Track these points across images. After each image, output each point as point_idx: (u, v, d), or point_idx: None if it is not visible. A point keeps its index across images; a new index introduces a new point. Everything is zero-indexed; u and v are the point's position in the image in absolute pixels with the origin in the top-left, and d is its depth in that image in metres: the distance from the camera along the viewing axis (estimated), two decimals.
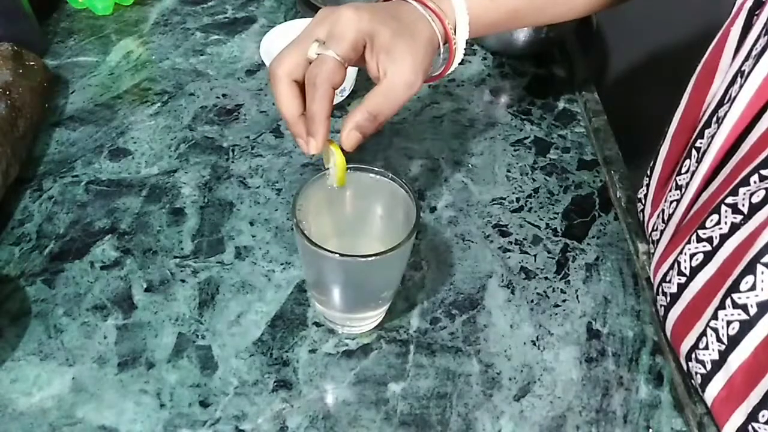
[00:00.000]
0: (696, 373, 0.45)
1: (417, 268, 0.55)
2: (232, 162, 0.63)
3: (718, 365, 0.43)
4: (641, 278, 0.55)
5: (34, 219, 0.56)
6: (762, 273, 0.39)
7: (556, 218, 0.60)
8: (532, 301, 0.53)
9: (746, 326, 0.41)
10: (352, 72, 0.66)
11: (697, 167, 0.47)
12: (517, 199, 0.61)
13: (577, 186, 0.63)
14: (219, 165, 0.62)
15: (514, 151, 0.66)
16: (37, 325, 0.49)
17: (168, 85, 0.70)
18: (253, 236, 0.56)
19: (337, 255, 0.41)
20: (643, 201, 0.57)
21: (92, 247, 0.55)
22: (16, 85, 0.60)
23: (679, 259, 0.47)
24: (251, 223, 0.57)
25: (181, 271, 0.53)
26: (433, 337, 0.50)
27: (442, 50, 0.50)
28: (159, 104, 0.68)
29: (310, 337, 0.50)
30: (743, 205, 0.41)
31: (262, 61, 0.69)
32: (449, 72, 0.52)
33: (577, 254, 0.57)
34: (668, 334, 0.49)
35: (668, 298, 0.48)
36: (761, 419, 0.40)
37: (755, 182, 0.40)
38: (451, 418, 0.46)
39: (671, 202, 0.51)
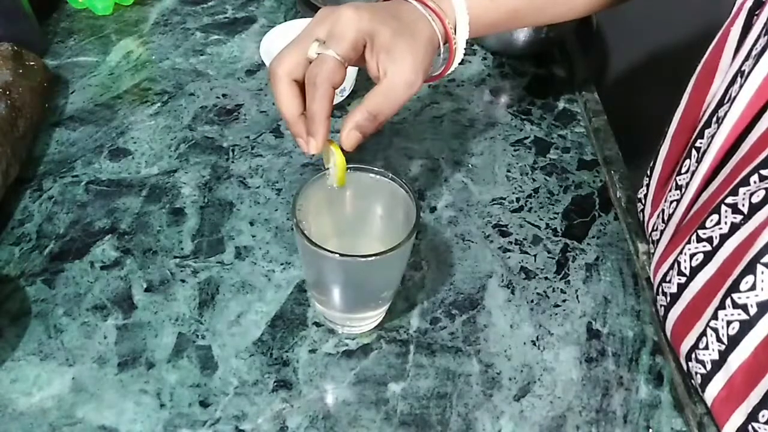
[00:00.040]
0: (696, 373, 0.45)
1: (417, 268, 0.55)
2: (232, 162, 0.63)
3: (718, 365, 0.43)
4: (641, 278, 0.55)
5: (34, 219, 0.56)
6: (762, 273, 0.39)
7: (556, 218, 0.60)
8: (532, 301, 0.53)
9: (746, 326, 0.41)
10: (352, 72, 0.66)
11: (697, 167, 0.47)
12: (517, 199, 0.61)
13: (577, 186, 0.63)
14: (219, 165, 0.62)
15: (514, 151, 0.66)
16: (37, 325, 0.49)
17: (168, 85, 0.70)
18: (253, 236, 0.56)
19: (337, 255, 0.41)
20: (643, 201, 0.57)
21: (92, 247, 0.55)
22: (16, 85, 0.60)
23: (679, 259, 0.47)
24: (251, 223, 0.57)
25: (181, 271, 0.53)
26: (433, 337, 0.50)
27: (442, 50, 0.50)
28: (159, 104, 0.68)
29: (310, 337, 0.50)
30: (743, 205, 0.41)
31: (262, 61, 0.69)
32: (449, 72, 0.52)
33: (577, 254, 0.57)
34: (668, 334, 0.49)
35: (668, 298, 0.48)
36: (761, 419, 0.40)
37: (755, 182, 0.40)
38: (451, 418, 0.46)
39: (671, 202, 0.51)
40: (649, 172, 0.56)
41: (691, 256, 0.45)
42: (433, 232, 0.58)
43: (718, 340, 0.43)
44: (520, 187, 0.62)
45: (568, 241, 0.58)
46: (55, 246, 0.54)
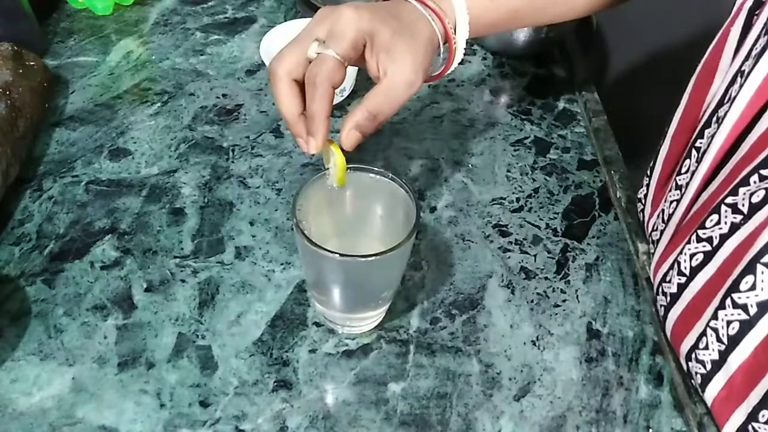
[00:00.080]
0: (696, 373, 0.45)
1: (417, 268, 0.55)
2: (232, 162, 0.63)
3: (718, 365, 0.43)
4: (641, 278, 0.55)
5: (34, 219, 0.56)
6: (762, 273, 0.39)
7: (556, 218, 0.60)
8: (532, 301, 0.53)
9: (746, 326, 0.41)
10: (352, 71, 0.66)
11: (697, 167, 0.47)
12: (517, 199, 0.61)
13: (577, 186, 0.63)
14: (219, 165, 0.62)
15: (514, 151, 0.66)
16: (37, 325, 0.49)
17: (168, 85, 0.70)
18: (253, 236, 0.56)
19: (337, 255, 0.41)
20: (643, 201, 0.57)
21: (92, 247, 0.55)
22: (16, 85, 0.60)
23: (679, 259, 0.47)
24: (251, 223, 0.57)
25: (181, 271, 0.53)
26: (433, 337, 0.50)
27: (442, 50, 0.50)
28: (159, 104, 0.68)
29: (310, 337, 0.50)
30: (743, 205, 0.41)
31: (262, 61, 0.69)
32: (449, 72, 0.52)
33: (577, 254, 0.57)
34: (668, 334, 0.49)
35: (668, 298, 0.48)
36: (761, 419, 0.40)
37: (755, 182, 0.40)
38: (451, 418, 0.46)
39: (671, 202, 0.51)
40: (649, 172, 0.56)
41: (691, 256, 0.45)
42: (433, 232, 0.58)
43: (718, 340, 0.43)
44: (520, 187, 0.62)
45: (568, 241, 0.58)
46: (55, 246, 0.54)
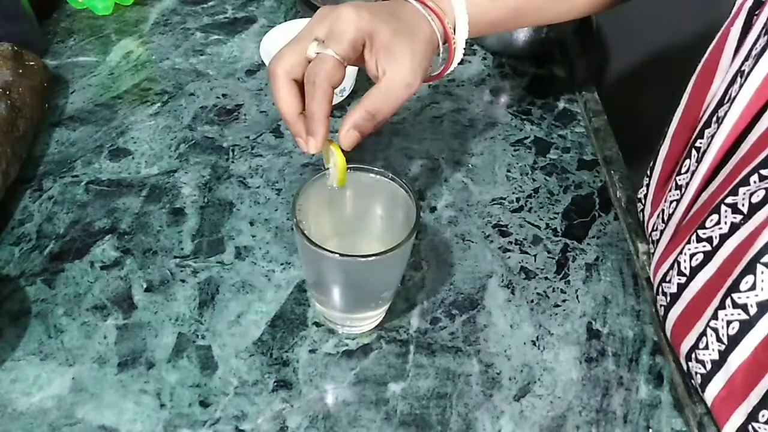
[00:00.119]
0: (696, 373, 0.45)
1: (417, 268, 0.55)
2: (232, 162, 0.63)
3: (718, 365, 0.43)
4: (641, 278, 0.55)
5: (34, 219, 0.56)
6: (762, 273, 0.39)
7: (556, 218, 0.60)
8: (532, 301, 0.53)
9: (746, 326, 0.41)
10: (351, 71, 0.66)
11: (697, 167, 0.47)
12: (517, 199, 0.61)
13: (577, 186, 0.63)
14: (219, 165, 0.62)
15: (514, 151, 0.66)
16: (37, 325, 0.49)
17: (168, 85, 0.70)
18: (253, 236, 0.56)
19: (337, 255, 0.41)
20: (643, 201, 0.57)
21: (92, 247, 0.55)
22: (16, 85, 0.60)
23: (679, 259, 0.47)
24: (251, 223, 0.57)
25: (181, 271, 0.53)
26: (433, 337, 0.50)
27: (441, 50, 0.50)
28: (159, 104, 0.68)
29: (310, 337, 0.50)
30: (743, 205, 0.41)
31: (262, 61, 0.69)
32: (449, 72, 0.52)
33: (577, 254, 0.57)
34: (668, 334, 0.49)
35: (668, 298, 0.48)
36: (761, 419, 0.40)
37: (755, 182, 0.40)
38: (451, 418, 0.46)
39: (671, 202, 0.51)
40: (649, 172, 0.56)
41: (691, 256, 0.45)
42: (433, 232, 0.58)
43: (718, 340, 0.42)
44: (520, 187, 0.62)
45: (568, 241, 0.58)
46: (55, 246, 0.54)
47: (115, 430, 0.44)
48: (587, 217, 0.60)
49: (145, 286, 0.52)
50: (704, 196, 0.46)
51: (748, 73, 0.41)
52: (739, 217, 0.41)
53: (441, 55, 0.50)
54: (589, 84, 0.73)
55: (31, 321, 0.49)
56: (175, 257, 0.54)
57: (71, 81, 0.70)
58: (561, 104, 0.71)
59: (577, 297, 0.54)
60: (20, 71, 0.61)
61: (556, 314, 0.52)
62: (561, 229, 0.59)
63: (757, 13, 0.43)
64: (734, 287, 0.41)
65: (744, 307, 0.40)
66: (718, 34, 0.48)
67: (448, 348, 0.50)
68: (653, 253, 0.53)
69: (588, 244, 0.58)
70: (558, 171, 0.64)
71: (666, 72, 0.82)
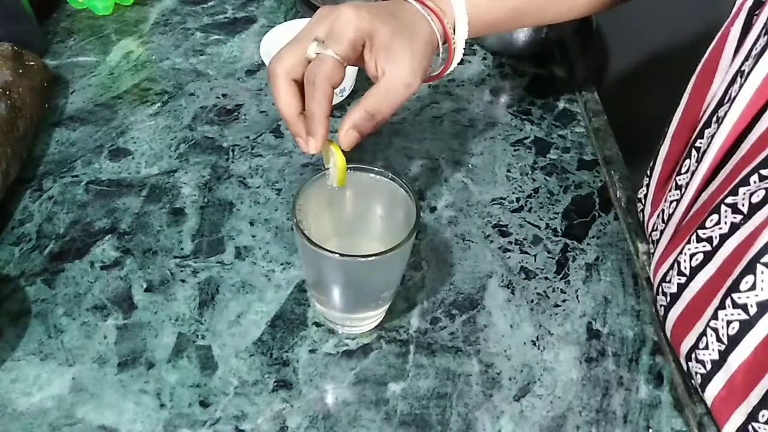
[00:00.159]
0: (696, 373, 0.45)
1: (417, 268, 0.55)
2: (232, 162, 0.63)
3: (718, 365, 0.43)
4: (641, 278, 0.55)
5: (34, 219, 0.56)
6: (762, 273, 0.39)
7: (556, 218, 0.60)
8: (532, 301, 0.53)
9: (746, 326, 0.41)
10: (351, 71, 0.66)
11: (697, 167, 0.47)
12: (517, 199, 0.61)
13: (577, 186, 0.63)
14: (219, 165, 0.62)
15: (514, 151, 0.66)
16: (37, 325, 0.49)
17: (168, 85, 0.70)
18: (253, 236, 0.56)
19: (337, 255, 0.41)
20: (643, 201, 0.57)
21: (92, 247, 0.55)
22: (16, 85, 0.60)
23: (679, 259, 0.47)
24: (251, 223, 0.57)
25: (181, 271, 0.53)
26: (433, 337, 0.50)
27: (441, 50, 0.50)
28: (159, 104, 0.68)
29: (310, 337, 0.50)
30: (743, 205, 0.41)
31: (262, 61, 0.69)
32: (448, 72, 0.52)
33: (577, 254, 0.57)
34: (668, 334, 0.49)
35: (668, 298, 0.48)
36: (761, 419, 0.40)
37: (755, 182, 0.40)
38: (451, 418, 0.46)
39: (671, 202, 0.51)
40: (649, 172, 0.56)
41: (691, 256, 0.45)
42: (433, 232, 0.58)
43: (718, 340, 0.42)
44: (520, 187, 0.62)
45: (568, 241, 0.58)
46: (55, 246, 0.54)
47: (115, 430, 0.44)
48: (587, 217, 0.60)
49: (145, 286, 0.52)
50: (704, 196, 0.46)
51: (748, 73, 0.41)
52: (739, 217, 0.41)
53: (441, 55, 0.50)
54: (589, 84, 0.73)
55: (31, 321, 0.49)
56: (175, 257, 0.54)
57: (71, 81, 0.70)
58: (561, 104, 0.71)
59: (577, 297, 0.54)
60: (20, 71, 0.61)
61: (556, 314, 0.52)
62: (561, 229, 0.59)
63: (757, 13, 0.43)
64: (734, 287, 0.41)
65: (744, 307, 0.40)
66: (718, 34, 0.48)
67: (448, 348, 0.50)
68: (653, 253, 0.53)
69: (588, 244, 0.58)
70: (558, 171, 0.64)
71: (666, 72, 0.82)
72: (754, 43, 0.42)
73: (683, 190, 0.49)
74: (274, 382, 0.47)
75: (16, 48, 0.63)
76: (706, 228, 0.44)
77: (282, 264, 0.54)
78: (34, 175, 0.60)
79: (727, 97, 0.44)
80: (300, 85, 0.46)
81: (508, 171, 0.64)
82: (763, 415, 0.40)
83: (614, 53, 0.94)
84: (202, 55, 0.74)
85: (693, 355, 0.45)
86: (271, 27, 0.71)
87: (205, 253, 0.55)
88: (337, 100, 0.66)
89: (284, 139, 0.65)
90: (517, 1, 0.53)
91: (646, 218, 0.56)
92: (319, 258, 0.42)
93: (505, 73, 0.75)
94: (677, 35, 0.81)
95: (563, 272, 0.55)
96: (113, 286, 0.52)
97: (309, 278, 0.50)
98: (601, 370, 0.49)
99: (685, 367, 0.47)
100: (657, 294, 0.50)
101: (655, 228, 0.54)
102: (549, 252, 0.57)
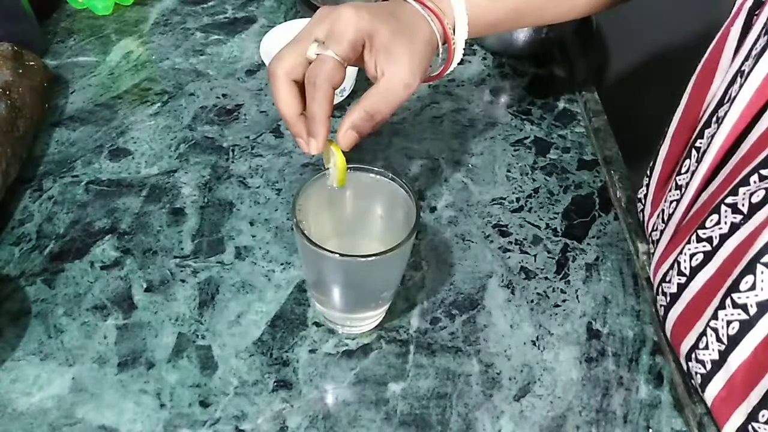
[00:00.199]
0: (696, 373, 0.45)
1: (417, 268, 0.55)
2: (232, 162, 0.63)
3: (718, 365, 0.43)
4: (641, 278, 0.55)
5: (34, 219, 0.56)
6: (762, 273, 0.39)
7: (556, 218, 0.60)
8: (532, 301, 0.53)
9: (746, 326, 0.41)
10: (352, 72, 0.66)
11: (697, 167, 0.47)
12: (517, 199, 0.61)
13: (577, 186, 0.63)
14: (219, 165, 0.62)
15: (514, 151, 0.66)
16: (37, 325, 0.49)
17: (168, 85, 0.70)
18: (253, 236, 0.56)
19: (337, 255, 0.41)
20: (643, 201, 0.57)
21: (92, 247, 0.55)
22: (16, 85, 0.60)
23: (679, 259, 0.47)
24: (251, 223, 0.57)
25: (181, 271, 0.53)
26: (433, 337, 0.50)
27: (441, 50, 0.50)
28: (159, 104, 0.68)
29: (310, 337, 0.50)
30: (743, 205, 0.41)
31: (262, 61, 0.69)
32: (448, 72, 0.52)
33: (577, 254, 0.57)
34: (668, 334, 0.49)
35: (668, 298, 0.48)
36: (761, 419, 0.40)
37: (755, 182, 0.40)
38: (451, 418, 0.46)
39: (671, 202, 0.51)
40: (649, 172, 0.56)
41: (691, 256, 0.45)
42: (433, 232, 0.58)
43: (718, 340, 0.42)
44: (520, 187, 0.62)
45: (568, 241, 0.58)
46: (55, 246, 0.54)
47: (115, 430, 0.44)
48: (587, 217, 0.60)
49: (145, 286, 0.52)
50: (704, 196, 0.46)
51: (748, 73, 0.41)
52: (739, 217, 0.41)
53: (440, 55, 0.50)
54: (589, 84, 0.73)
55: (31, 321, 0.49)
56: (175, 257, 0.54)
57: (71, 81, 0.70)
58: (561, 104, 0.71)
59: (577, 297, 0.54)
60: (20, 71, 0.61)
61: (556, 314, 0.52)
62: (561, 229, 0.59)
63: (757, 13, 0.43)
64: (734, 287, 0.41)
65: (744, 307, 0.41)
66: (718, 34, 0.48)
67: (448, 348, 0.50)
68: (653, 253, 0.53)
69: (588, 244, 0.58)
70: (558, 171, 0.64)
71: (666, 72, 0.82)
72: (754, 43, 0.42)
73: (683, 190, 0.49)
74: (274, 382, 0.47)
75: (16, 48, 0.63)
76: (706, 228, 0.44)
77: (282, 264, 0.54)
78: (34, 175, 0.60)
79: (727, 97, 0.44)
80: (300, 86, 0.46)
81: (508, 171, 0.64)
82: (763, 415, 0.40)
83: (614, 53, 0.94)
84: (202, 55, 0.74)
85: (693, 355, 0.45)
86: (271, 27, 0.71)
87: (205, 253, 0.55)
88: (337, 100, 0.66)
89: (284, 139, 0.65)
90: (517, 2, 0.53)
91: (646, 218, 0.56)
92: (319, 258, 0.42)
93: (505, 73, 0.75)
94: (677, 35, 0.81)
95: (563, 272, 0.55)
96: (113, 286, 0.52)
97: (309, 278, 0.51)
98: (601, 370, 0.49)
99: (685, 367, 0.47)
100: (657, 294, 0.50)
101: (655, 228, 0.54)
102: (549, 252, 0.57)
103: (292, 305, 0.52)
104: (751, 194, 0.40)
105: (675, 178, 0.51)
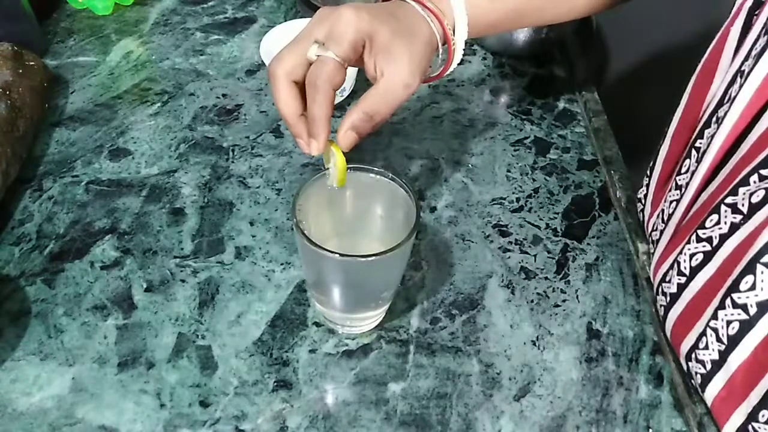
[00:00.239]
0: (696, 373, 0.45)
1: (417, 268, 0.55)
2: (232, 162, 0.63)
3: (718, 365, 0.43)
4: (641, 278, 0.55)
5: (34, 219, 0.56)
6: (762, 273, 0.39)
7: (556, 218, 0.60)
8: (532, 301, 0.53)
9: (746, 326, 0.41)
10: (352, 72, 0.66)
11: (696, 167, 0.47)
12: (517, 199, 0.61)
13: (577, 186, 0.63)
14: (219, 165, 0.62)
15: (514, 151, 0.66)
16: (37, 325, 0.49)
17: (168, 85, 0.70)
18: (253, 236, 0.56)
19: (337, 255, 0.41)
20: (643, 201, 0.57)
21: (92, 247, 0.55)
22: (16, 85, 0.60)
23: (678, 259, 0.47)
24: (251, 223, 0.57)
25: (181, 271, 0.53)
26: (433, 337, 0.50)
27: (440, 51, 0.50)
28: (159, 104, 0.68)
29: (310, 337, 0.50)
30: (743, 205, 0.41)
31: (262, 61, 0.69)
32: (448, 72, 0.52)
33: (577, 254, 0.57)
34: (668, 334, 0.49)
35: (668, 298, 0.48)
36: (761, 419, 0.40)
37: (755, 182, 0.40)
38: (451, 418, 0.46)
39: (671, 202, 0.51)
40: (648, 172, 0.56)
41: (691, 256, 0.45)
42: (433, 232, 0.58)
43: (718, 340, 0.43)
44: (520, 187, 0.62)
45: (568, 241, 0.58)
46: (55, 246, 0.54)
47: (115, 430, 0.44)
48: (587, 217, 0.60)
49: (145, 286, 0.52)
50: (704, 196, 0.46)
51: (748, 73, 0.41)
52: (739, 217, 0.41)
53: (440, 56, 0.50)
54: (589, 84, 0.73)
55: (31, 321, 0.49)
56: (175, 257, 0.54)
57: (71, 81, 0.70)
58: (561, 104, 0.71)
59: (577, 297, 0.54)
60: (20, 71, 0.61)
61: (556, 314, 0.52)
62: (561, 229, 0.59)
63: (757, 13, 0.43)
64: (734, 287, 0.41)
65: (744, 307, 0.41)
66: (718, 34, 0.48)
67: (448, 348, 0.50)
68: (653, 253, 0.53)
69: (588, 244, 0.58)
70: (558, 171, 0.64)
71: (666, 72, 0.82)
72: (754, 43, 0.42)
73: (683, 190, 0.49)
74: (274, 382, 0.47)
75: (16, 48, 0.63)
76: (706, 228, 0.44)
77: (282, 264, 0.54)
78: (34, 175, 0.60)
79: (727, 97, 0.44)
80: (300, 87, 0.46)
81: (508, 171, 0.64)
82: (763, 415, 0.40)
83: (614, 53, 0.94)
84: (202, 55, 0.74)
85: (693, 355, 0.45)
86: (271, 27, 0.71)
87: (205, 253, 0.55)
88: (337, 100, 0.66)
89: (284, 139, 0.65)
90: (516, 2, 0.53)
91: (646, 218, 0.56)
92: (319, 258, 0.42)
93: (505, 73, 0.75)
94: (677, 35, 0.81)
95: (563, 272, 0.55)
96: (113, 286, 0.52)
97: (309, 278, 0.51)
98: (601, 370, 0.49)
99: (685, 367, 0.47)
100: (657, 294, 0.50)
101: (655, 228, 0.54)
102: (549, 252, 0.57)
103: (292, 305, 0.52)
104: (751, 194, 0.40)
105: (675, 178, 0.51)
